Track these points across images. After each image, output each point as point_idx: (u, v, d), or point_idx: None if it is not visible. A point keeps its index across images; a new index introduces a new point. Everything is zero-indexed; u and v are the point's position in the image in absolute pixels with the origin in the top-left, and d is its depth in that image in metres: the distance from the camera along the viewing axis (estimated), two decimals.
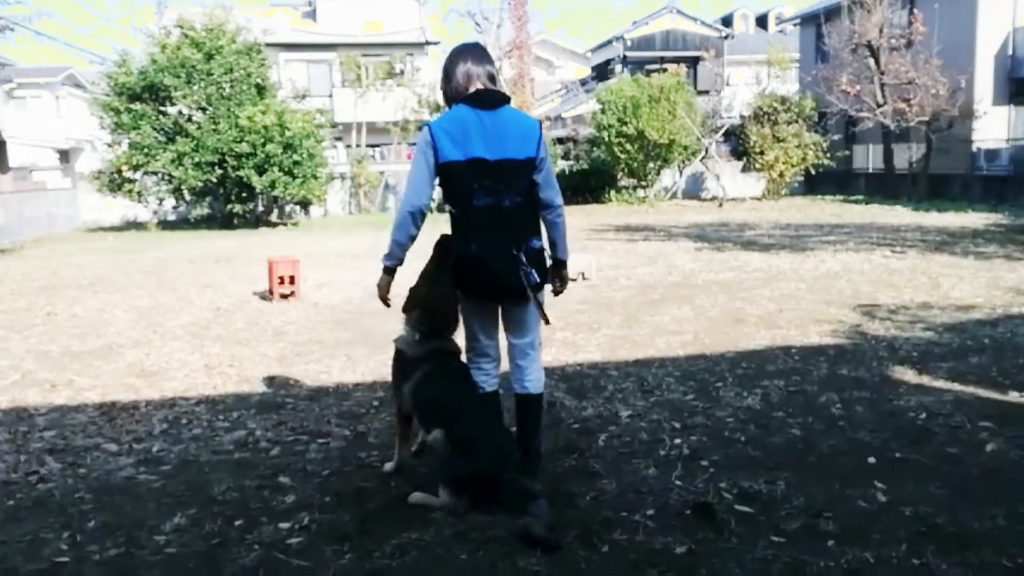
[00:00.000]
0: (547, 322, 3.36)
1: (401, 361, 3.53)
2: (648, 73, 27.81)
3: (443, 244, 3.42)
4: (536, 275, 3.23)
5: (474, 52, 3.33)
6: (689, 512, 3.13)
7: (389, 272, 3.35)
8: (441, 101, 24.84)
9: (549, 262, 3.44)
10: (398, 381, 3.52)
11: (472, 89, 3.23)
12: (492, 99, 3.23)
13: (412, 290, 3.49)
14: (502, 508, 3.08)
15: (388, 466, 3.63)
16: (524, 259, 3.21)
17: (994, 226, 14.67)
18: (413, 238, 3.30)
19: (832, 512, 3.09)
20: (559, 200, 3.38)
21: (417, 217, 3.25)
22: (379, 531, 3.01)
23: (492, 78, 3.30)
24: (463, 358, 3.54)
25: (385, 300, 3.41)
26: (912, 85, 21.00)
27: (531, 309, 3.35)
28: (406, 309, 3.49)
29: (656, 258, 11.28)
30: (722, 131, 26.11)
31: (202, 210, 21.28)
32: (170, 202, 21.05)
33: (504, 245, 3.21)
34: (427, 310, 3.44)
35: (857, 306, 7.29)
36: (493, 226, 3.20)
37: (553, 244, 3.43)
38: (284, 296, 8.48)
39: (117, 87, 19.48)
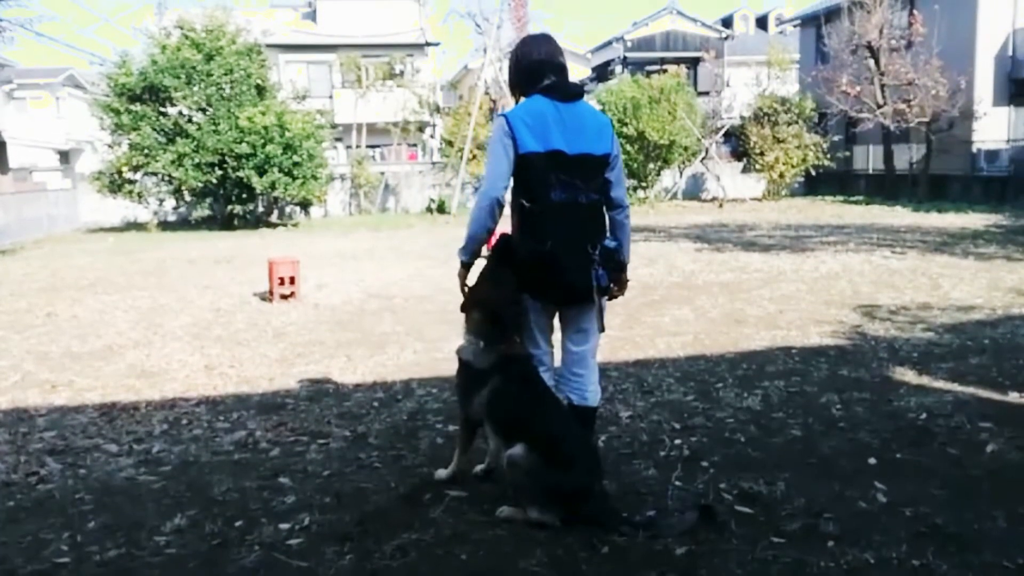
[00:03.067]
0: (603, 329, 3.26)
1: (467, 373, 3.27)
2: (648, 74, 27.81)
3: (506, 244, 3.25)
4: (606, 277, 3.14)
5: (549, 42, 3.25)
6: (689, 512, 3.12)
7: (466, 267, 3.23)
8: (441, 102, 24.80)
9: None
10: (467, 393, 3.28)
11: (547, 80, 3.13)
12: (571, 91, 3.16)
13: (472, 290, 3.27)
14: (597, 522, 2.96)
15: (442, 473, 3.46)
16: (598, 259, 3.11)
17: (994, 227, 14.67)
18: (491, 231, 3.17)
19: (832, 513, 3.09)
20: (627, 200, 3.33)
21: (495, 208, 3.10)
22: (379, 532, 3.01)
23: (566, 70, 3.20)
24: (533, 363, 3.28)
25: (463, 288, 3.27)
26: (912, 86, 21.00)
27: (594, 315, 3.22)
28: (464, 309, 3.27)
29: (656, 259, 11.28)
30: (722, 132, 26.12)
31: (202, 211, 21.27)
32: (170, 203, 21.03)
33: (580, 243, 3.09)
34: (490, 313, 3.18)
35: (857, 307, 7.29)
36: (570, 223, 3.07)
37: (619, 245, 3.25)
38: (284, 297, 8.48)
39: (117, 88, 19.48)
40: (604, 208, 3.23)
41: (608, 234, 3.22)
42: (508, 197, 3.18)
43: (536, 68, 3.16)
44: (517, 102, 3.25)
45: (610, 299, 3.29)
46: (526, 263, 3.13)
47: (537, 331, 3.28)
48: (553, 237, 3.07)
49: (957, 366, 5.19)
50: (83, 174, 25.00)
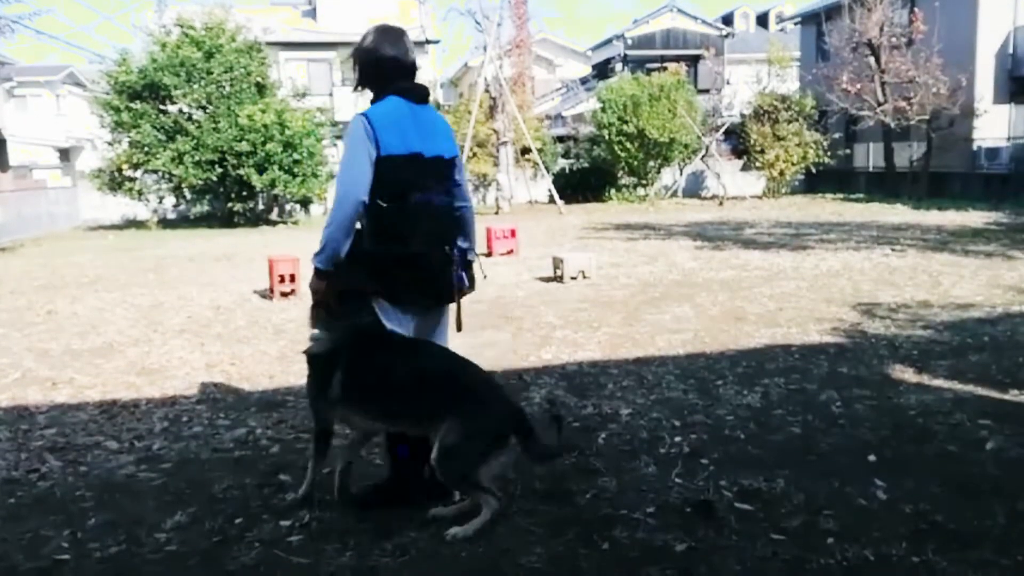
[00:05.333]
0: (460, 328, 3.29)
1: (315, 366, 3.10)
2: (649, 72, 27.81)
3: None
4: (463, 277, 3.17)
5: (400, 39, 3.13)
6: (689, 510, 3.13)
7: (321, 276, 2.99)
8: (442, 100, 24.72)
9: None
10: (320, 388, 3.07)
11: (402, 81, 3.07)
12: (423, 94, 3.12)
13: (313, 292, 3.07)
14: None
15: (300, 492, 3.26)
16: (457, 260, 3.13)
17: (994, 224, 14.67)
18: (350, 235, 2.97)
19: (832, 510, 3.09)
20: (471, 198, 3.34)
21: (359, 211, 2.95)
22: (379, 529, 3.01)
23: (415, 70, 3.15)
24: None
25: (327, 303, 3.04)
26: (913, 83, 20.98)
27: (447, 316, 3.24)
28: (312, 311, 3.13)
29: (656, 256, 11.28)
30: (722, 130, 26.11)
31: (202, 208, 21.29)
32: (170, 200, 21.04)
33: (440, 244, 3.09)
34: (326, 299, 3.03)
35: (857, 304, 7.29)
36: (429, 224, 3.03)
37: (471, 245, 3.27)
38: (284, 294, 8.49)
39: (117, 86, 19.48)
40: (455, 210, 3.19)
41: (462, 238, 3.20)
42: None
43: (391, 67, 3.06)
44: (361, 93, 3.20)
45: (464, 295, 3.26)
46: (384, 265, 3.01)
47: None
48: (414, 238, 3.00)
49: (957, 363, 5.19)
50: (83, 172, 25.00)
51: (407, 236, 2.99)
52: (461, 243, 3.18)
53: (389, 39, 3.10)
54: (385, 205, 2.96)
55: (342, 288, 3.00)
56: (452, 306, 3.27)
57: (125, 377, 5.48)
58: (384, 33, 3.13)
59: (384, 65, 3.06)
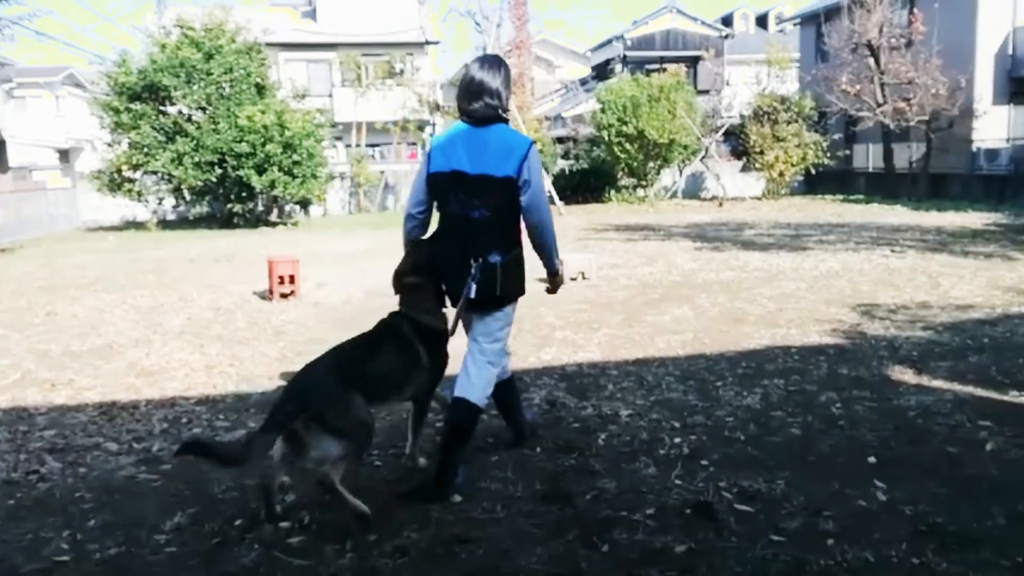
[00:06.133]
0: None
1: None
2: (648, 73, 27.78)
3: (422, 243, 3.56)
4: (474, 291, 3.26)
5: (483, 68, 3.37)
6: (689, 511, 3.13)
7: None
8: (442, 101, 24.85)
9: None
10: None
11: (470, 105, 3.33)
12: (481, 116, 3.33)
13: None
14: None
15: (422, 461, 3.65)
16: (475, 272, 3.27)
17: (994, 225, 14.67)
18: (410, 235, 3.56)
19: (832, 511, 3.09)
20: (541, 219, 3.36)
21: (411, 217, 3.53)
22: (379, 530, 3.01)
23: (486, 95, 3.32)
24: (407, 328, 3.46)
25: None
26: (912, 85, 20.98)
27: (492, 315, 3.40)
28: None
29: (656, 258, 11.28)
30: (722, 131, 26.09)
31: (202, 209, 21.28)
32: (170, 202, 21.03)
33: (463, 254, 3.30)
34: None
35: (857, 305, 7.29)
36: (457, 234, 3.36)
37: (506, 262, 3.34)
38: (284, 295, 8.49)
39: (117, 87, 19.47)
40: (504, 225, 3.33)
41: (500, 251, 3.30)
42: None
43: (460, 92, 3.37)
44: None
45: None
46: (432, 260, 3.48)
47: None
48: (444, 244, 3.42)
49: (956, 365, 5.20)
50: (83, 173, 24.99)
51: (440, 241, 3.45)
52: (493, 257, 3.28)
53: (475, 67, 3.39)
54: (437, 214, 3.46)
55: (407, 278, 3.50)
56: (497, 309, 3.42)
57: (125, 378, 5.48)
58: (476, 61, 3.45)
59: (459, 91, 3.39)
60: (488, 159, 3.25)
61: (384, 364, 3.33)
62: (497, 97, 3.31)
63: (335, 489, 3.01)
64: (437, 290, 3.49)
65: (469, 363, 3.43)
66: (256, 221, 20.46)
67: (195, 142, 19.03)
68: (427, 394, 3.56)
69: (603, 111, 24.58)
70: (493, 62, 3.40)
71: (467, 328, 3.48)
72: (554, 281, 3.65)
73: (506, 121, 3.37)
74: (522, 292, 3.44)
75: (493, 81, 3.31)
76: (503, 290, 3.32)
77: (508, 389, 3.74)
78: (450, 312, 3.49)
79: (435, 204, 3.41)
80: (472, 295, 3.27)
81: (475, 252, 3.28)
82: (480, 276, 3.26)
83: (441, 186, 3.32)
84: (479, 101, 3.30)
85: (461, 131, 3.34)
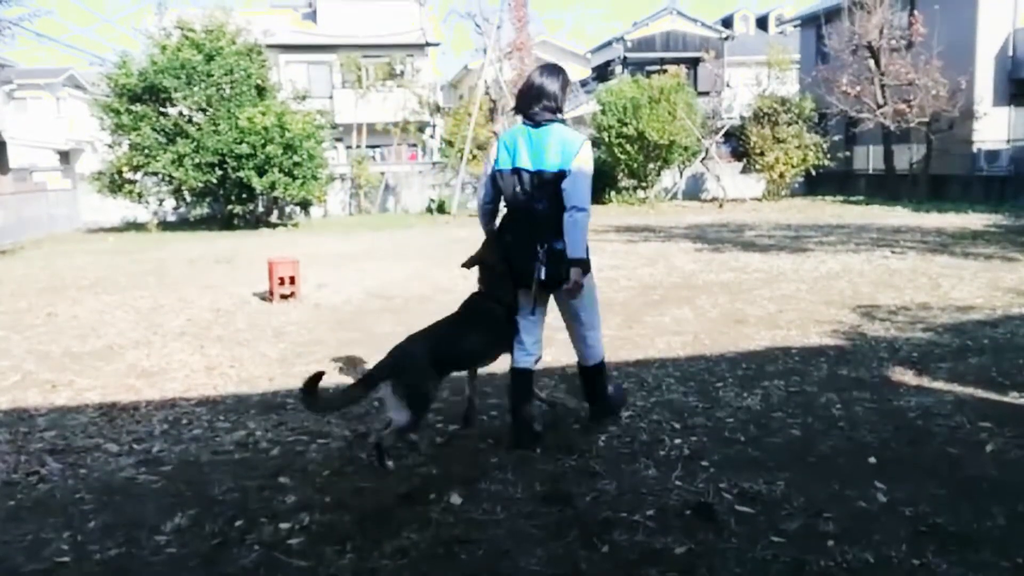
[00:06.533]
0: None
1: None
2: (648, 74, 27.79)
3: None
4: (544, 272, 3.69)
5: (541, 75, 3.82)
6: (689, 512, 3.13)
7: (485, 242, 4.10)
8: (442, 102, 24.93)
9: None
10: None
11: (530, 109, 3.76)
12: (538, 119, 3.76)
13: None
14: None
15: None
16: (542, 257, 3.68)
17: (994, 227, 14.68)
18: (486, 225, 4.05)
19: (832, 512, 3.09)
20: (580, 204, 3.69)
21: (484, 209, 4.05)
22: (379, 532, 3.02)
23: (544, 98, 3.75)
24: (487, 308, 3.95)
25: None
26: (912, 86, 21.00)
27: (578, 297, 3.82)
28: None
29: (656, 259, 11.28)
30: (722, 132, 26.10)
31: (202, 211, 21.27)
32: (170, 203, 21.02)
33: (529, 241, 3.73)
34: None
35: (857, 307, 7.29)
36: (522, 224, 3.81)
37: (565, 245, 3.72)
38: (284, 297, 8.49)
39: (117, 88, 19.47)
40: (555, 214, 3.72)
41: (559, 237, 3.70)
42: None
43: (524, 97, 3.80)
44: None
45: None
46: (502, 251, 3.89)
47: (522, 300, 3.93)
48: (510, 233, 3.86)
49: (957, 366, 5.20)
50: (83, 174, 25.00)
51: (506, 231, 3.89)
52: (556, 243, 3.68)
53: (536, 73, 3.83)
54: (502, 207, 3.93)
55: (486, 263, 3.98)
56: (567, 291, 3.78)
57: (125, 379, 5.48)
58: (537, 69, 3.87)
59: (519, 95, 3.88)
60: (546, 156, 3.67)
61: (473, 338, 3.88)
62: (555, 100, 3.74)
63: (381, 454, 3.61)
64: (510, 273, 3.87)
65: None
66: (256, 222, 20.46)
67: (195, 143, 19.03)
68: (493, 359, 4.08)
69: (603, 112, 24.59)
70: (552, 70, 3.84)
71: (543, 306, 3.95)
72: (572, 270, 3.74)
73: (563, 121, 3.78)
74: (588, 271, 3.81)
75: (551, 86, 3.75)
76: (568, 272, 3.67)
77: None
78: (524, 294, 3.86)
79: (502, 197, 3.86)
80: (543, 277, 3.69)
81: (541, 239, 3.70)
82: (548, 260, 3.68)
83: (506, 182, 3.78)
84: (539, 104, 3.73)
85: (522, 131, 3.76)
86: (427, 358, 3.67)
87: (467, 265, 4.03)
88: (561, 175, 3.64)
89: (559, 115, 3.76)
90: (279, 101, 20.67)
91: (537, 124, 3.72)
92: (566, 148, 3.65)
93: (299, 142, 19.42)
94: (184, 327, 7.27)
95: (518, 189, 3.75)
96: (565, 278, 3.67)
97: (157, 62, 19.35)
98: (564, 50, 43.74)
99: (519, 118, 3.83)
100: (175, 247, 15.63)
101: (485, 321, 3.89)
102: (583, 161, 3.66)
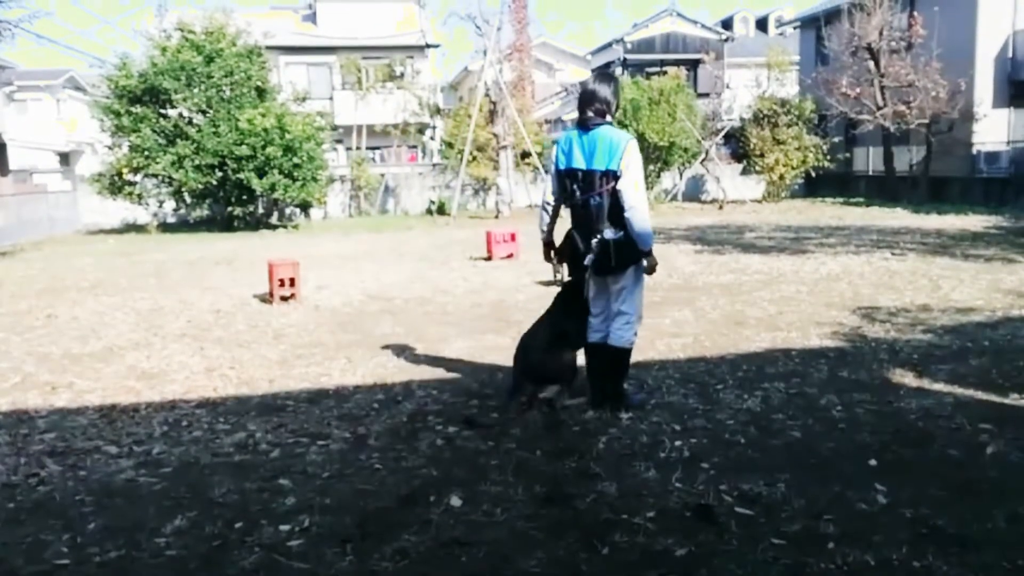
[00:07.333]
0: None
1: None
2: (648, 76, 27.82)
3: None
4: (594, 260, 4.19)
5: (595, 82, 4.31)
6: (689, 514, 3.13)
7: (544, 243, 4.73)
8: (442, 104, 25.01)
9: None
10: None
11: (582, 114, 4.24)
12: (589, 125, 4.21)
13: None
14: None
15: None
16: (594, 247, 4.16)
17: (994, 228, 14.68)
18: (546, 221, 4.54)
19: (832, 514, 3.09)
20: (633, 200, 4.10)
21: (544, 206, 4.58)
22: (379, 534, 3.01)
23: (593, 104, 4.20)
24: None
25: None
26: (912, 88, 20.99)
27: (617, 279, 4.29)
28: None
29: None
30: (722, 134, 26.10)
31: (202, 212, 21.27)
32: (170, 204, 21.02)
33: (586, 231, 4.22)
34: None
35: (857, 308, 7.29)
36: (580, 216, 4.27)
37: (620, 237, 4.18)
38: (284, 298, 8.49)
39: (117, 90, 19.48)
40: (618, 208, 4.14)
41: (615, 229, 4.15)
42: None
43: (577, 103, 4.32)
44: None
45: (648, 271, 4.33)
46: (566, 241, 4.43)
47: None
48: (574, 224, 4.35)
49: (957, 368, 5.19)
50: (83, 176, 25.00)
51: (572, 222, 4.36)
52: (608, 233, 4.14)
53: (590, 80, 4.37)
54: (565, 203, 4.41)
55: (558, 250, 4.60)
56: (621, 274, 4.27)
57: (125, 381, 5.48)
58: (592, 75, 4.54)
59: (577, 102, 4.33)
60: (597, 156, 4.11)
61: (572, 319, 4.49)
62: (605, 104, 4.19)
63: (554, 407, 4.42)
64: (574, 261, 4.41)
65: (610, 317, 4.40)
66: (256, 224, 20.47)
67: (196, 145, 19.04)
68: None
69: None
70: (605, 77, 4.35)
71: (602, 288, 4.39)
72: (649, 260, 4.26)
73: (611, 123, 4.19)
74: (637, 261, 4.23)
75: (603, 91, 4.20)
76: (617, 260, 4.18)
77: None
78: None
79: (563, 194, 4.31)
80: (591, 263, 4.19)
81: (596, 231, 4.17)
82: (599, 250, 4.16)
83: (564, 180, 4.26)
84: (591, 107, 4.18)
85: (575, 135, 4.24)
86: (545, 349, 4.50)
87: (551, 258, 4.70)
88: (609, 173, 4.07)
89: (607, 118, 4.19)
90: (279, 103, 20.69)
91: (587, 127, 4.16)
92: (612, 149, 4.08)
93: (299, 144, 19.43)
94: (184, 329, 7.27)
95: (574, 187, 4.20)
96: (614, 265, 4.17)
97: (157, 64, 19.36)
98: (564, 51, 43.82)
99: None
100: (175, 249, 15.63)
101: (573, 303, 4.52)
102: (631, 160, 4.07)
